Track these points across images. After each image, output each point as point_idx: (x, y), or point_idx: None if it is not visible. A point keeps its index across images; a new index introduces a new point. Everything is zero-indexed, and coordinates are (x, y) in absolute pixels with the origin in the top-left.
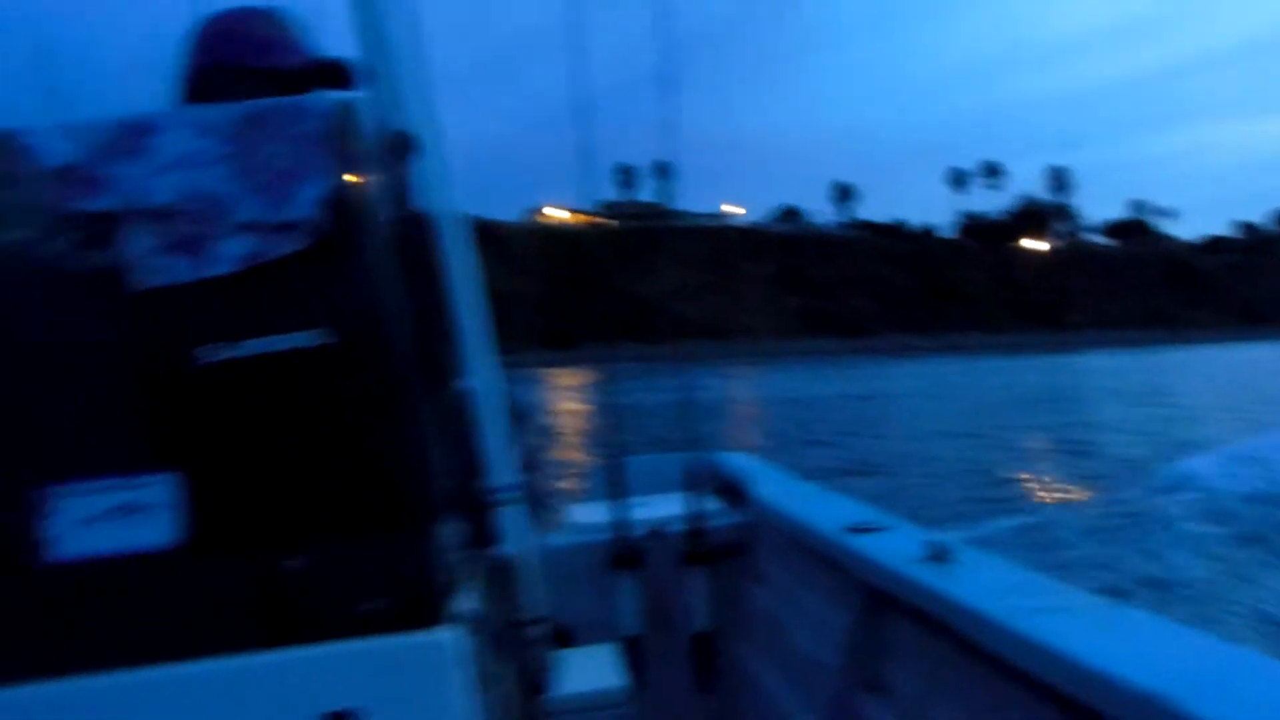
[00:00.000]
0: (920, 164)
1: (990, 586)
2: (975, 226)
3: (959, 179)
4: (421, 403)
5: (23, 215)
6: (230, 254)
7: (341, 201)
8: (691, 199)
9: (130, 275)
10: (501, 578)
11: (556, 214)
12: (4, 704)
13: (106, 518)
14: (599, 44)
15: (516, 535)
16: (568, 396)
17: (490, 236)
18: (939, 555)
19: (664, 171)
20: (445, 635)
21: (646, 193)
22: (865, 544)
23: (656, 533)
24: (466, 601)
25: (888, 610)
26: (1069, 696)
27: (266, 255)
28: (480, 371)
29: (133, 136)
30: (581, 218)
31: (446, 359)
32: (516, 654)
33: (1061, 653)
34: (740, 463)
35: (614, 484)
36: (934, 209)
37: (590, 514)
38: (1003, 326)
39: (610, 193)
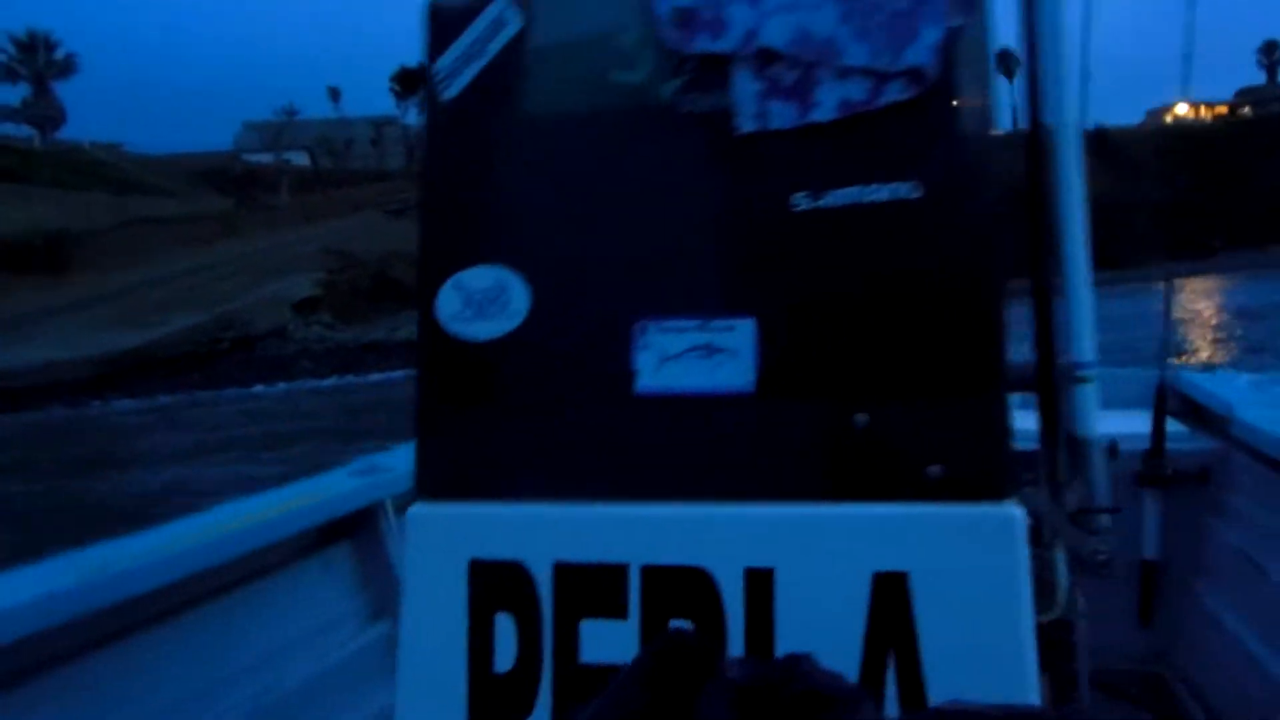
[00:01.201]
0: None
1: None
2: None
3: None
4: (1005, 266)
5: (644, 56)
6: (832, 101)
7: (948, 50)
8: None
9: (735, 119)
10: (1069, 459)
11: (1184, 110)
12: (586, 519)
13: (689, 356)
14: None
15: (1089, 418)
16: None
17: (1100, 144)
18: None
19: None
20: (1014, 510)
21: None
22: None
23: (1111, 450)
24: (1032, 477)
25: None
26: None
27: (870, 104)
28: (1071, 242)
29: None
30: (1215, 111)
31: (1035, 232)
32: (1074, 543)
33: None
34: (1213, 384)
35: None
36: None
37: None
38: None
39: (1252, 77)
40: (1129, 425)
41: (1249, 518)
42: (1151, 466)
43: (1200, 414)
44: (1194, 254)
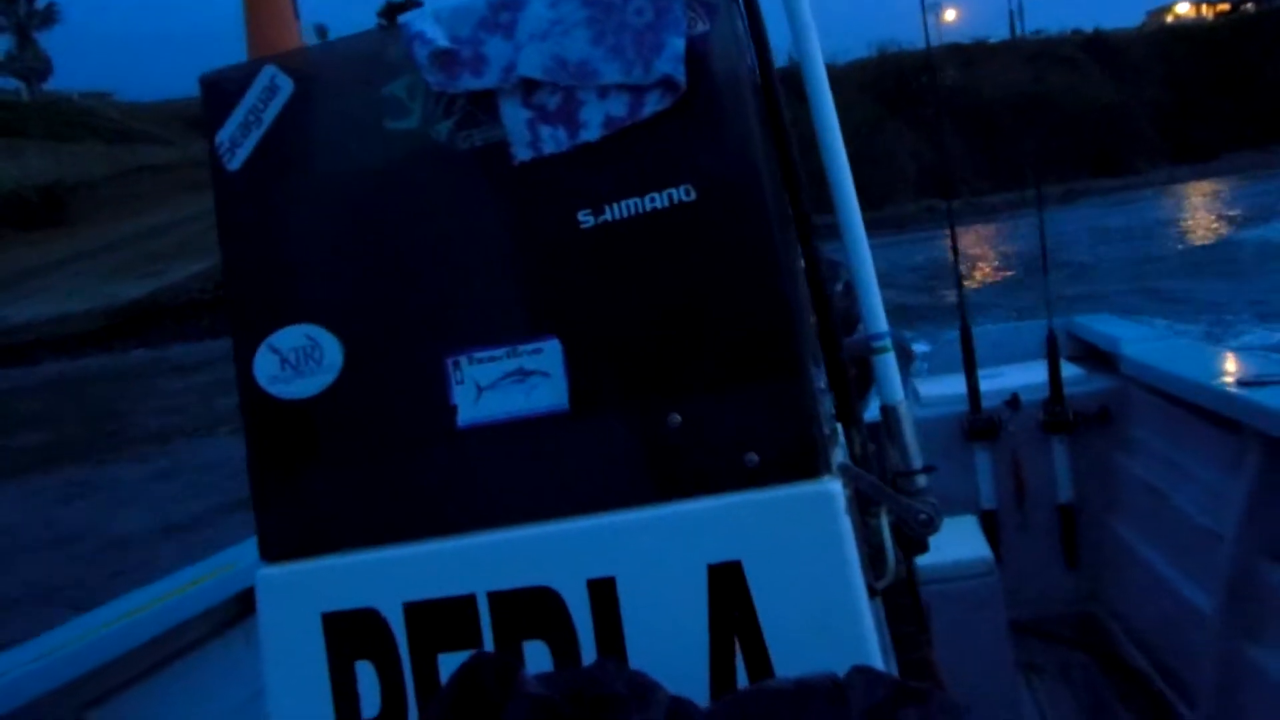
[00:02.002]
0: None
1: None
2: None
3: None
4: (789, 251)
5: (415, 101)
6: (597, 120)
7: (701, 54)
8: None
9: (511, 149)
10: (878, 428)
11: (1185, 9)
12: (428, 556)
13: (504, 383)
14: None
15: (892, 385)
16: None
17: (1100, 49)
18: None
19: None
20: (832, 485)
21: None
22: (1265, 396)
23: (1013, 403)
24: (841, 453)
25: None
26: None
27: (633, 117)
28: (848, 220)
29: (499, 12)
30: (1216, 9)
31: (800, 212)
32: (898, 509)
33: None
34: (1102, 325)
35: (964, 353)
36: None
37: (940, 386)
38: None
39: None
40: (1033, 376)
41: (1149, 449)
42: (1053, 414)
43: (1095, 356)
44: (1195, 157)
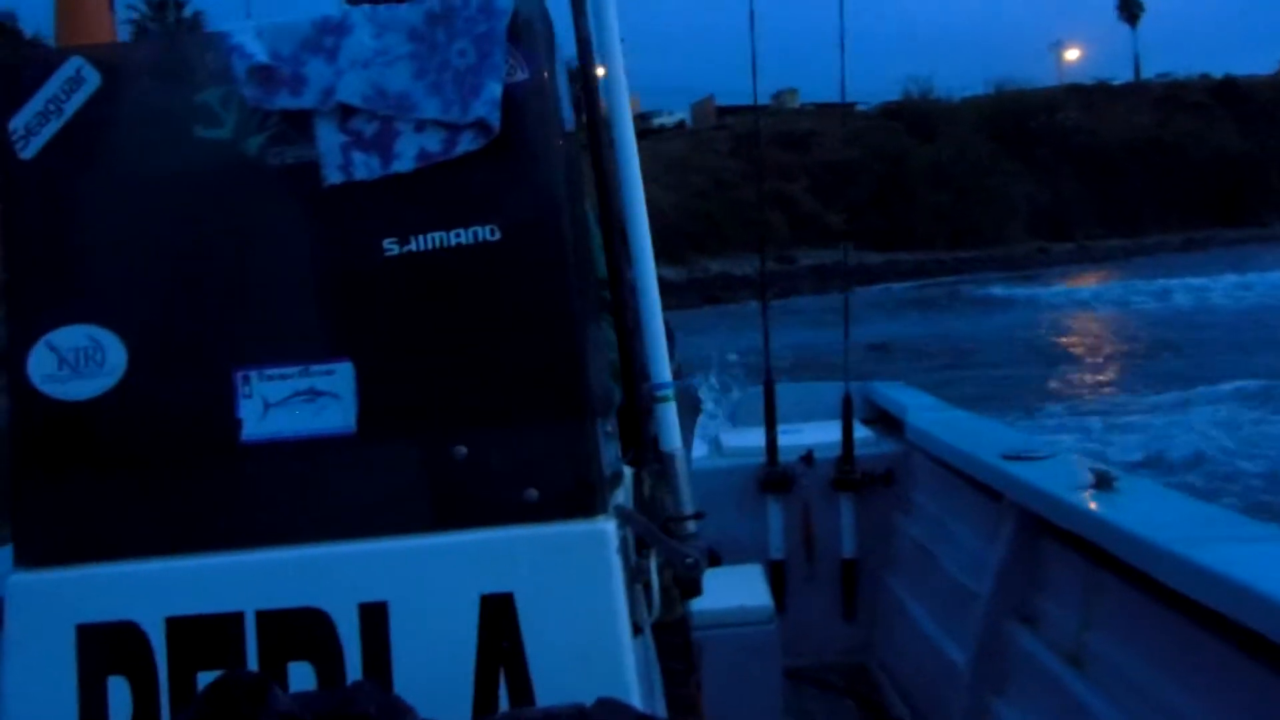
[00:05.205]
0: None
1: (1156, 515)
2: None
3: None
4: (585, 298)
5: (229, 112)
6: (411, 152)
7: (517, 101)
8: None
9: (321, 171)
10: (656, 474)
11: None
12: (197, 571)
13: (293, 402)
14: None
15: (670, 433)
16: None
17: (1229, 95)
18: (1103, 482)
19: None
20: (606, 525)
21: None
22: (1022, 470)
23: (807, 459)
24: (623, 494)
25: (1044, 538)
26: (1242, 626)
27: (446, 154)
28: (642, 272)
29: (324, 35)
30: None
31: (613, 263)
32: (666, 551)
33: (1236, 581)
34: (895, 393)
35: (766, 409)
36: None
37: (740, 438)
38: None
39: None
40: (829, 435)
41: (925, 511)
42: (843, 472)
43: (886, 420)
44: None
